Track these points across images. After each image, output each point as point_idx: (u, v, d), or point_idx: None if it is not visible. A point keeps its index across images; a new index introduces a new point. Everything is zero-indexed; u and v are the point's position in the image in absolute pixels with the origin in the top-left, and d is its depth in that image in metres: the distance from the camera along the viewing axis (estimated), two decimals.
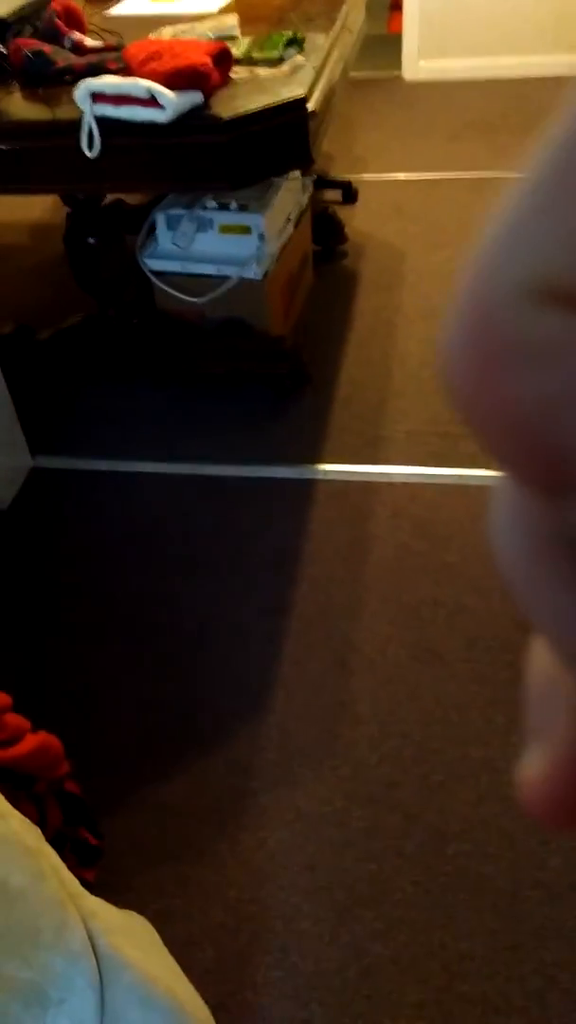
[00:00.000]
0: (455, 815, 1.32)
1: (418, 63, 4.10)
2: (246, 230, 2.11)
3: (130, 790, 1.39)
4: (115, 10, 2.21)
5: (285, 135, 1.51)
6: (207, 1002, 1.01)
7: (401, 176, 3.24)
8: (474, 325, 0.08)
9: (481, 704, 1.48)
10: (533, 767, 0.13)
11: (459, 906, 1.22)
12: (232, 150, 1.50)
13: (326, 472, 1.99)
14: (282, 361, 2.14)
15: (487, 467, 1.94)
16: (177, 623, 1.67)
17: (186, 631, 1.65)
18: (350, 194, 3.04)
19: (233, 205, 2.12)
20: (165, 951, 1.01)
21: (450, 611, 1.65)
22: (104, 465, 2.05)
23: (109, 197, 2.28)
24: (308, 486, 1.96)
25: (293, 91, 1.52)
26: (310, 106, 1.51)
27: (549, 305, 0.08)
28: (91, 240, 2.13)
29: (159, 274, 2.19)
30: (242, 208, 2.12)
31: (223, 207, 2.12)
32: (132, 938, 0.93)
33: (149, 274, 2.18)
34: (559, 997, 1.13)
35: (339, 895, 1.24)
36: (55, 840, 1.25)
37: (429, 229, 2.87)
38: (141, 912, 1.04)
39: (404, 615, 1.65)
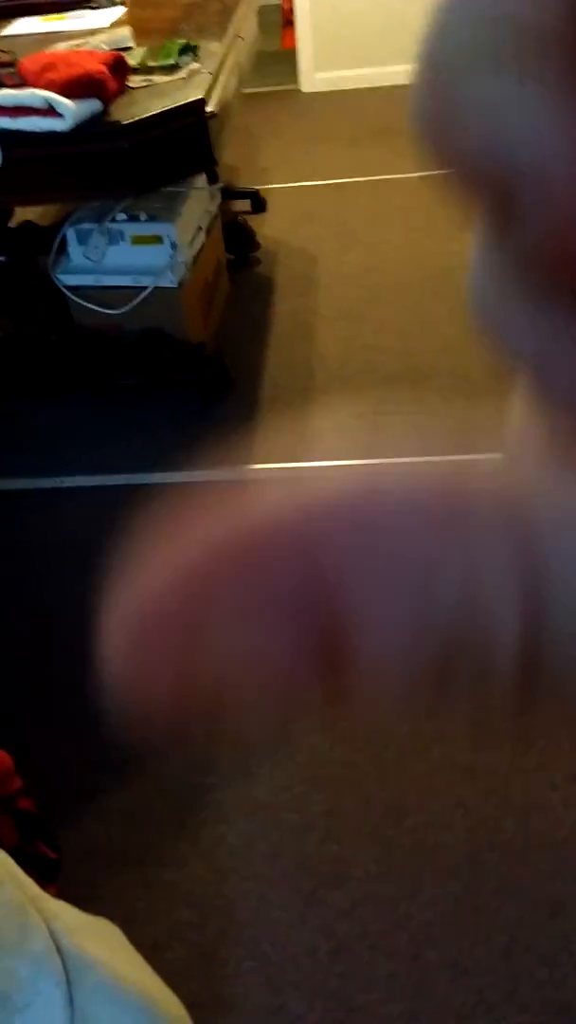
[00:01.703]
0: (410, 789, 1.34)
1: (314, 75, 4.20)
2: (158, 240, 2.12)
3: (87, 800, 1.37)
4: (8, 30, 2.21)
5: (186, 138, 1.53)
6: (179, 999, 1.00)
7: (307, 183, 3.30)
8: (428, 46, 0.09)
9: None
10: None
11: (421, 876, 1.24)
12: (134, 155, 1.51)
13: (258, 471, 2.01)
14: (205, 367, 2.15)
15: (416, 455, 1.99)
16: None
17: None
18: (259, 203, 3.09)
19: (143, 216, 2.13)
20: (133, 950, 1.00)
21: None
22: (29, 483, 2.02)
23: (18, 217, 2.27)
24: (240, 487, 1.97)
25: (191, 94, 1.55)
26: (209, 108, 1.54)
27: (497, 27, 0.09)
28: (2, 259, 2.12)
29: (74, 289, 2.18)
30: (152, 219, 2.13)
31: (133, 219, 2.13)
32: (97, 938, 0.92)
33: (64, 290, 2.17)
34: (523, 951, 1.15)
35: (303, 879, 1.25)
36: (12, 858, 1.22)
37: (339, 232, 2.93)
38: (107, 918, 1.02)
39: None
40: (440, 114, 0.09)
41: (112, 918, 1.09)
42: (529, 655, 0.07)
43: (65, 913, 0.88)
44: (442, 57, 0.09)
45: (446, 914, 1.20)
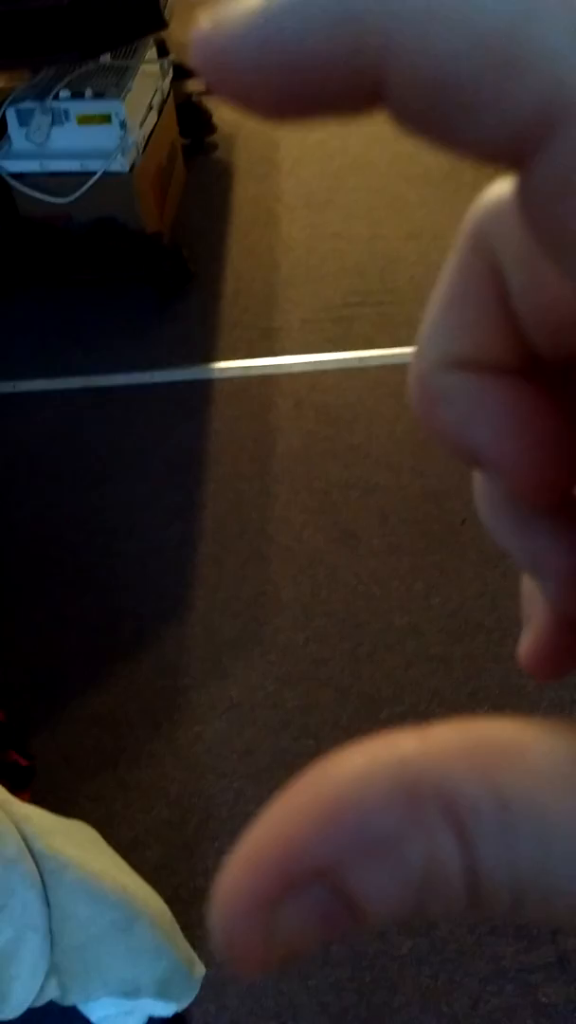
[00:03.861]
0: (386, 682, 1.33)
1: None
2: (106, 119, 1.96)
3: (59, 706, 1.34)
4: None
5: None
6: (158, 894, 1.00)
7: None
8: (416, 384, 0.15)
9: (400, 575, 1.48)
10: (525, 642, 0.18)
11: None
12: (76, 13, 1.36)
13: (222, 370, 1.92)
14: (162, 259, 2.03)
15: (383, 347, 1.92)
16: (87, 539, 1.61)
17: (97, 545, 1.59)
18: None
19: (88, 92, 1.96)
20: (110, 850, 0.99)
21: (361, 491, 1.64)
22: None
23: None
24: (205, 387, 1.89)
25: None
26: None
27: (450, 369, 0.15)
28: None
29: (17, 176, 2.03)
30: (98, 96, 1.96)
31: (78, 95, 1.97)
32: (71, 839, 0.90)
33: (6, 177, 2.02)
34: None
35: (280, 774, 1.24)
36: None
37: None
38: (83, 821, 1.01)
39: (316, 501, 1.63)
40: (428, 418, 0.15)
41: (89, 820, 1.07)
42: (472, 889, 0.11)
43: (36, 816, 0.86)
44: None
45: None
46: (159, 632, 1.43)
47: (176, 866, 1.17)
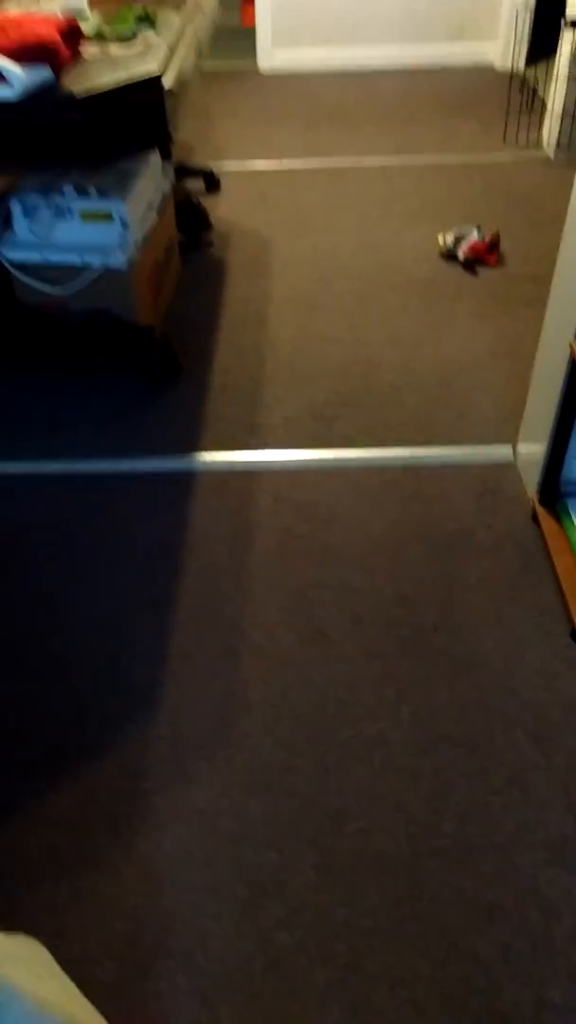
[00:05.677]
0: (351, 793, 1.32)
1: (273, 55, 4.11)
2: (108, 217, 2.04)
3: (15, 806, 1.31)
4: None
5: (142, 112, 1.46)
6: (109, 1020, 0.96)
7: (262, 165, 3.23)
8: None
9: (371, 680, 1.48)
10: None
11: (360, 883, 1.22)
12: (88, 129, 1.44)
13: (205, 462, 1.95)
14: (153, 351, 2.08)
15: (362, 447, 1.96)
16: (57, 625, 1.59)
17: (67, 633, 1.58)
18: (212, 182, 3.01)
19: (92, 191, 2.04)
20: (60, 973, 0.95)
21: (335, 591, 1.65)
22: None
23: None
24: (187, 477, 1.92)
25: (148, 68, 1.47)
26: (166, 83, 1.47)
27: None
28: None
29: (18, 265, 2.08)
30: (102, 194, 2.04)
31: (82, 193, 2.04)
32: (22, 964, 0.87)
33: (7, 265, 2.07)
34: (461, 959, 1.14)
35: (240, 888, 1.21)
36: None
37: (292, 217, 2.87)
38: (34, 934, 0.97)
39: (290, 599, 1.64)
40: None
41: (40, 932, 1.03)
42: None
43: None
44: None
45: (385, 922, 1.18)
46: (124, 730, 1.41)
47: (128, 987, 1.12)
